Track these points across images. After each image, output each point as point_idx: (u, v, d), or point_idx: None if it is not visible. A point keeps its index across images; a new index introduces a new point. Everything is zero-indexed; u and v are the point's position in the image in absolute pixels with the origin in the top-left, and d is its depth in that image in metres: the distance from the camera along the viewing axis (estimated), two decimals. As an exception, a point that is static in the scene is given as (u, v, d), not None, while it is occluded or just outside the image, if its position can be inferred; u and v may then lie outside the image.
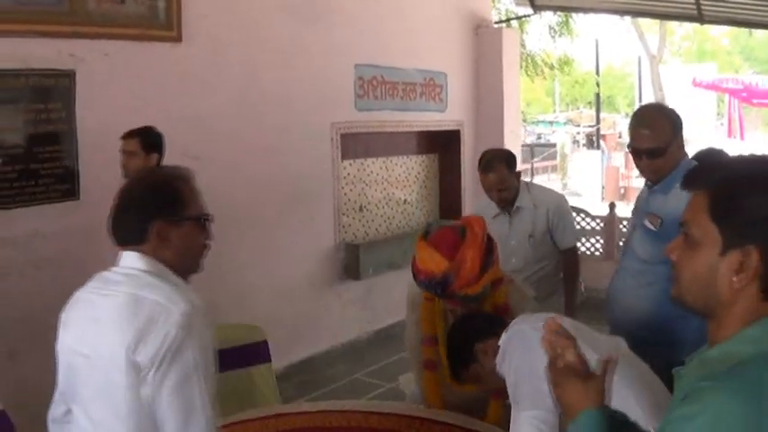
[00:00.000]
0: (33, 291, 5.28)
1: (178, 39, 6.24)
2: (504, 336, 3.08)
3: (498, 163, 5.07)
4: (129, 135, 5.24)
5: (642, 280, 4.00)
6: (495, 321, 3.36)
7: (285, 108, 7.14)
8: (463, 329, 3.41)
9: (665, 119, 3.94)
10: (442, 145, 9.58)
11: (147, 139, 5.27)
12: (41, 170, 5.48)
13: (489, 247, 3.50)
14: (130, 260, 2.48)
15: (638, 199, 4.39)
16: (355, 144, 8.23)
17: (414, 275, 3.56)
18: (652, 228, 3.96)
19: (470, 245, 3.41)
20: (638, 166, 4.16)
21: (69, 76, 5.58)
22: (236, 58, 6.72)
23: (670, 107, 4.24)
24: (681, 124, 3.96)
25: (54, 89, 5.54)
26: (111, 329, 2.33)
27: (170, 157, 6.00)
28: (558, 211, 5.26)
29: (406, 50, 8.55)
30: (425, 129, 9.17)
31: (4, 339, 5.11)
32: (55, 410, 2.64)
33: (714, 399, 1.50)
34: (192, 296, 2.43)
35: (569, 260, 5.24)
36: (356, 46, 7.89)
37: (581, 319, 3.66)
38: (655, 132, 3.88)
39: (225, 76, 6.63)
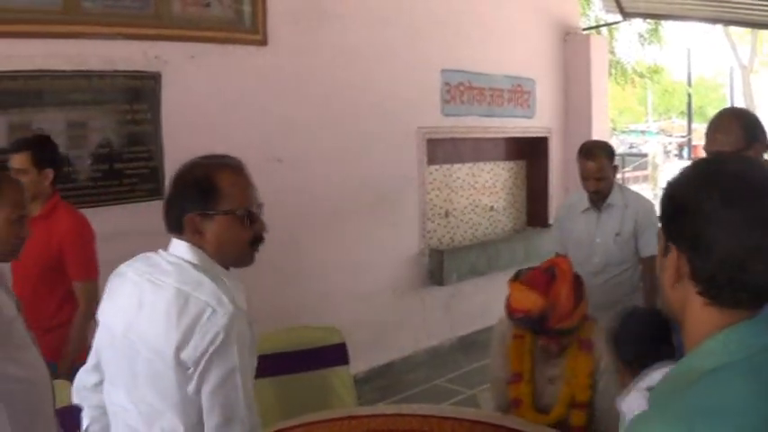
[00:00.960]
0: None
1: (263, 42, 6.17)
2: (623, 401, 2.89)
3: (600, 152, 5.00)
4: (17, 148, 4.28)
5: None
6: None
7: (371, 112, 7.02)
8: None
9: (739, 124, 3.74)
10: (529, 152, 9.35)
11: (39, 154, 4.28)
12: (127, 170, 5.47)
13: (579, 282, 3.60)
14: (179, 249, 2.48)
15: None
16: (442, 149, 8.06)
17: (509, 315, 3.60)
18: None
19: (562, 281, 3.51)
20: None
21: (155, 77, 5.56)
22: (322, 62, 6.62)
23: (749, 112, 4.06)
24: (758, 130, 3.74)
25: (140, 91, 5.52)
26: (159, 324, 2.31)
27: (253, 160, 5.76)
28: (647, 215, 5.06)
29: (493, 56, 8.35)
30: (513, 135, 8.95)
31: None
32: (87, 379, 2.66)
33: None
34: (235, 294, 2.38)
35: (648, 269, 5.00)
36: (443, 51, 7.73)
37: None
38: (727, 137, 3.68)
39: (310, 79, 6.54)
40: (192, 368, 2.26)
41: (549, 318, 3.45)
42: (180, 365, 2.27)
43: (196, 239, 2.47)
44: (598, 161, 4.94)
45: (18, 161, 4.20)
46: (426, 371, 7.54)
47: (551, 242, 5.58)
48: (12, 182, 3.13)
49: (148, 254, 2.55)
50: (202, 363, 2.25)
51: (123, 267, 2.57)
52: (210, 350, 2.25)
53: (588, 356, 3.62)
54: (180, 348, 2.25)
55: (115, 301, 2.51)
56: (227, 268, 2.52)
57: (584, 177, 5.02)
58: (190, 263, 2.42)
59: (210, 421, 2.28)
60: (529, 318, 3.49)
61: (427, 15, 7.51)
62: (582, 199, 5.18)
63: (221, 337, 2.26)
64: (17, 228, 3.01)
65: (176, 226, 2.49)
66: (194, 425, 2.31)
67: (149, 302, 2.37)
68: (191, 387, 2.28)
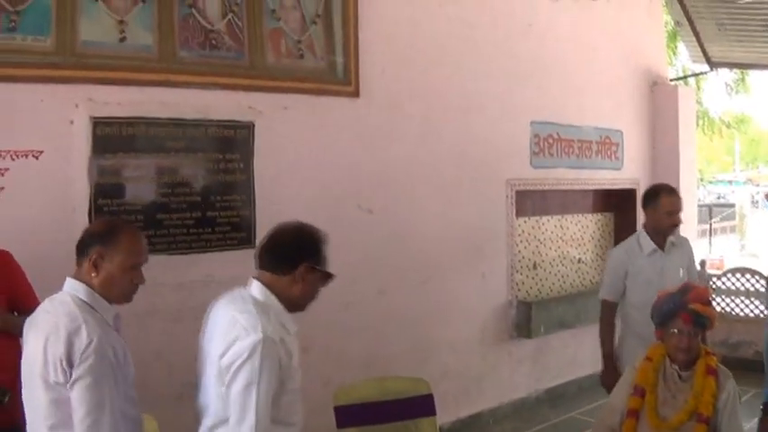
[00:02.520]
0: None
1: (356, 94, 5.96)
2: None
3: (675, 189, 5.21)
4: None
5: None
6: None
7: (461, 163, 6.74)
8: None
9: None
10: (617, 204, 8.92)
11: None
12: (218, 218, 5.29)
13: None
14: (254, 288, 3.09)
15: None
16: (530, 201, 7.73)
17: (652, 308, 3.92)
18: None
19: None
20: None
21: (248, 127, 5.39)
22: (413, 114, 6.38)
23: None
24: None
25: (233, 140, 5.35)
26: (217, 336, 2.98)
27: (344, 211, 5.89)
28: (691, 250, 5.42)
29: (582, 108, 8.02)
30: (601, 187, 8.55)
31: (176, 380, 4.86)
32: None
33: None
34: (275, 328, 2.94)
35: None
36: (532, 103, 7.42)
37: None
38: None
39: (401, 130, 6.30)
40: (224, 374, 2.87)
41: (688, 292, 3.80)
42: (220, 369, 2.90)
43: (294, 284, 3.10)
44: (679, 196, 5.16)
45: None
46: (512, 423, 7.19)
47: (603, 290, 5.38)
48: (128, 230, 3.13)
49: (237, 289, 3.14)
50: (231, 370, 2.85)
51: (221, 300, 3.17)
52: (237, 364, 2.84)
53: (713, 380, 3.71)
54: (222, 355, 2.88)
55: (205, 327, 3.15)
56: (289, 311, 3.12)
57: (673, 212, 5.07)
58: (255, 298, 3.04)
59: (230, 416, 2.86)
60: (669, 296, 3.83)
61: (517, 66, 7.22)
62: (643, 243, 5.19)
63: (245, 356, 2.83)
64: (131, 274, 3.04)
65: (286, 268, 3.08)
66: (223, 420, 2.92)
67: (218, 322, 3.04)
68: (223, 388, 2.89)
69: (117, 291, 3.00)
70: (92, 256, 2.94)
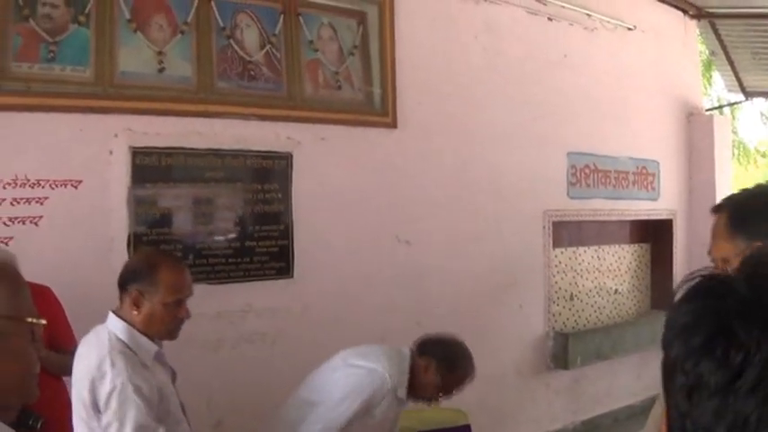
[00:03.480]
0: (244, 364, 4.98)
1: (393, 125, 5.78)
2: None
3: None
4: None
5: None
6: None
7: (497, 194, 6.53)
8: None
9: None
10: (653, 234, 8.65)
11: None
12: (257, 248, 5.11)
13: None
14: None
15: None
16: (567, 232, 7.50)
17: None
18: None
19: None
20: None
21: (287, 158, 5.23)
22: (450, 145, 6.19)
23: None
24: None
25: (271, 170, 5.20)
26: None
27: (381, 241, 5.72)
28: None
29: (618, 138, 7.78)
30: (637, 218, 8.30)
31: (213, 409, 4.79)
32: None
33: None
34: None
35: None
36: (569, 134, 7.20)
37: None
38: None
39: (439, 161, 6.11)
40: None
41: None
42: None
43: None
44: None
45: None
46: (550, 455, 6.90)
47: None
48: (169, 265, 3.01)
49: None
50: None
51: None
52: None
53: None
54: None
55: None
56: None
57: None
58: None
59: None
60: None
61: (553, 97, 7.01)
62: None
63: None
64: (174, 310, 2.91)
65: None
66: None
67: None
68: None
69: (160, 328, 2.91)
70: (132, 294, 2.86)
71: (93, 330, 2.93)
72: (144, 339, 2.86)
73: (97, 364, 2.72)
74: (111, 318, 2.89)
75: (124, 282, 2.91)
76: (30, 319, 1.48)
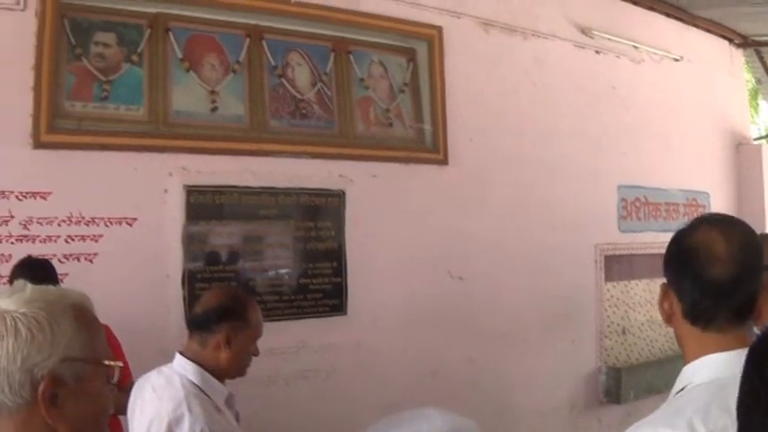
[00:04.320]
0: (297, 400, 4.81)
1: (444, 161, 5.57)
2: None
3: None
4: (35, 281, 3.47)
5: None
6: None
7: (549, 229, 6.26)
8: None
9: None
10: (705, 267, 8.24)
11: (55, 279, 3.56)
12: (310, 285, 4.93)
13: None
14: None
15: None
16: (618, 265, 7.16)
17: None
18: None
19: None
20: None
21: (339, 195, 5.05)
22: (501, 180, 5.95)
23: None
24: None
25: (324, 208, 5.01)
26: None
27: (433, 277, 5.50)
28: None
29: (667, 170, 7.45)
30: (688, 250, 7.91)
31: None
32: None
33: None
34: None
35: None
36: (619, 166, 6.91)
37: None
38: None
39: (490, 197, 5.88)
40: None
41: None
42: None
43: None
44: None
45: None
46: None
47: None
48: (254, 302, 2.96)
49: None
50: None
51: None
52: None
53: None
54: None
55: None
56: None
57: None
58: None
59: None
60: None
61: (602, 130, 6.74)
62: None
63: None
64: (254, 348, 2.85)
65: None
66: None
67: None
68: None
69: (242, 365, 2.85)
70: (223, 332, 2.71)
71: (157, 371, 2.78)
72: (216, 382, 2.73)
73: (172, 407, 2.55)
74: (180, 359, 2.74)
75: (209, 321, 2.74)
76: (107, 362, 1.49)
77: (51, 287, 1.53)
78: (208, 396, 2.67)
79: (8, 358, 1.35)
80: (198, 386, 2.67)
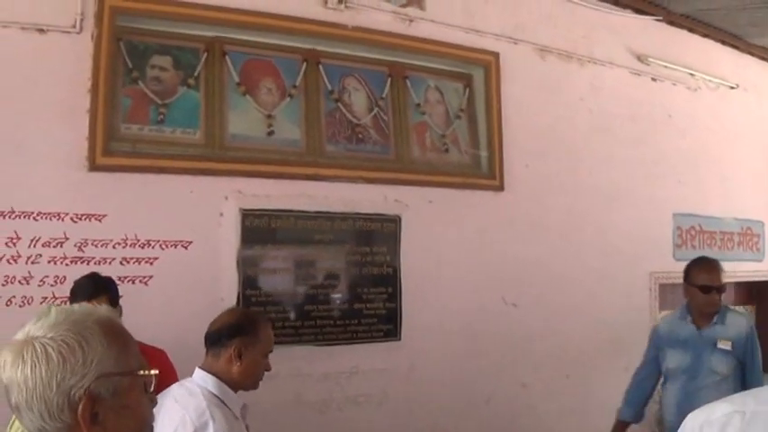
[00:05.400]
0: (350, 426, 4.57)
1: (500, 188, 5.26)
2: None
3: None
4: (97, 293, 3.24)
5: (720, 390, 3.87)
6: None
7: (603, 257, 5.89)
8: None
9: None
10: (758, 295, 7.77)
11: (114, 296, 3.37)
12: (365, 310, 4.66)
13: None
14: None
15: (677, 333, 4.34)
16: (673, 294, 6.71)
17: None
18: (728, 349, 4.12)
19: None
20: (709, 301, 4.20)
21: (395, 221, 4.78)
22: (557, 207, 5.60)
23: None
24: None
25: (379, 233, 4.74)
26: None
27: (488, 303, 5.20)
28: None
29: (723, 199, 7.01)
30: (742, 279, 7.42)
31: None
32: None
33: None
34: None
35: None
36: (674, 194, 6.50)
37: None
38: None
39: (545, 224, 5.53)
40: None
41: None
42: None
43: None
44: None
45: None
46: None
47: None
48: (263, 320, 3.08)
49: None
50: None
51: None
52: None
53: None
54: None
55: None
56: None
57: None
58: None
59: None
60: None
61: (658, 157, 6.35)
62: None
63: None
64: (266, 362, 2.92)
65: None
66: None
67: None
68: None
69: (254, 378, 2.90)
70: (235, 346, 2.81)
71: (178, 385, 2.83)
72: (232, 393, 2.81)
73: (197, 415, 2.61)
74: (199, 372, 2.82)
75: (221, 337, 2.85)
76: (141, 372, 1.44)
77: (75, 307, 1.46)
78: (226, 405, 2.74)
79: (43, 385, 1.30)
80: (217, 396, 2.74)
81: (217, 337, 2.87)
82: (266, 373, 2.94)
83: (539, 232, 5.49)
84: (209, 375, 2.79)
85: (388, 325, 4.73)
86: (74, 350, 1.33)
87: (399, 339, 4.77)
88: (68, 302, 3.28)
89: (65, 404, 1.31)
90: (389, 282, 4.75)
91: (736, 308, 7.27)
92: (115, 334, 1.41)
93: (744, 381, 4.20)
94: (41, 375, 1.31)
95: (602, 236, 5.89)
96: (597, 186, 5.87)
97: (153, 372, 1.45)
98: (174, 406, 2.67)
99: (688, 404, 3.99)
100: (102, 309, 1.47)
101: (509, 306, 5.31)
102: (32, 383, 1.31)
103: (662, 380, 4.50)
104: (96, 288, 3.28)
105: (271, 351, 2.95)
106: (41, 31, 3.80)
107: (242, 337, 2.83)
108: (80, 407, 1.32)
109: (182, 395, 2.72)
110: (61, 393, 1.31)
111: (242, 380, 2.84)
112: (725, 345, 4.17)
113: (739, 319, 4.43)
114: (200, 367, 2.85)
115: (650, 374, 4.56)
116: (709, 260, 4.39)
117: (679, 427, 3.49)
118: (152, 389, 1.47)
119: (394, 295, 4.75)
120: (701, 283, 4.22)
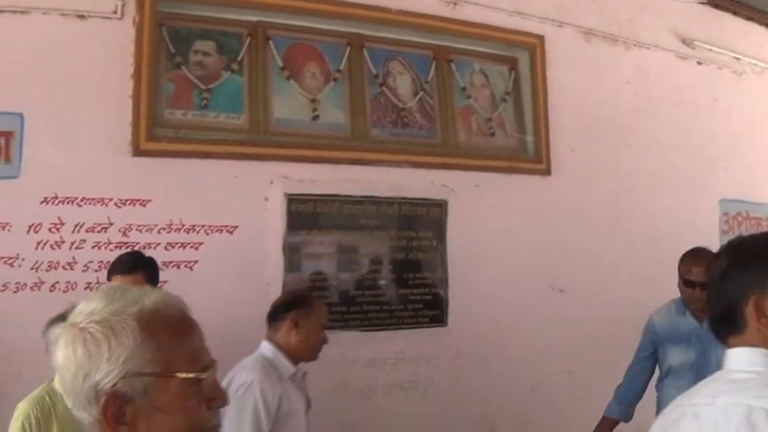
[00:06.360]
0: (395, 411, 4.33)
1: (547, 172, 4.94)
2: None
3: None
4: (132, 269, 3.07)
5: None
6: None
7: (650, 243, 5.52)
8: None
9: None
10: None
11: (151, 274, 3.17)
12: (411, 295, 4.39)
13: None
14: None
15: (677, 327, 3.83)
16: (719, 281, 6.35)
17: None
18: None
19: None
20: (690, 297, 3.70)
21: (441, 205, 4.49)
22: (603, 192, 5.26)
23: None
24: None
25: (425, 218, 4.46)
26: None
27: (534, 289, 4.87)
28: None
29: (768, 184, 6.60)
30: (790, 266, 7.01)
31: None
32: None
33: None
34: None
35: None
36: (721, 180, 6.09)
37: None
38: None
39: (592, 209, 5.19)
40: None
41: None
42: None
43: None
44: None
45: (133, 283, 2.95)
46: None
47: None
48: (320, 301, 3.26)
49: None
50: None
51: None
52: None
53: None
54: None
55: None
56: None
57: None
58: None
59: None
60: None
61: (704, 142, 5.93)
62: None
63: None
64: (322, 335, 3.06)
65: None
66: None
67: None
68: None
69: (312, 348, 3.03)
70: (291, 317, 2.98)
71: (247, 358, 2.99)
72: (285, 360, 2.97)
73: (241, 367, 2.89)
74: (263, 343, 3.01)
75: (282, 310, 3.03)
76: (182, 375, 1.20)
77: (128, 293, 1.24)
78: (274, 367, 2.92)
79: (73, 375, 1.17)
80: (269, 359, 2.94)
81: (275, 312, 3.04)
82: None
83: (585, 217, 5.16)
84: (269, 343, 2.98)
85: (434, 311, 4.46)
86: (99, 344, 1.16)
87: (446, 325, 4.50)
88: (107, 276, 3.13)
89: (92, 399, 1.16)
90: (436, 267, 4.48)
91: None
92: (158, 328, 1.19)
93: None
94: (71, 366, 1.17)
95: (649, 221, 5.53)
96: (643, 171, 5.51)
97: (199, 375, 1.21)
98: (235, 370, 2.90)
99: None
100: (155, 295, 1.24)
101: (555, 292, 4.99)
102: (65, 372, 1.18)
103: (659, 378, 4.05)
104: (134, 264, 3.09)
105: (325, 324, 3.10)
106: (82, 17, 3.64)
107: (297, 309, 3.00)
108: (101, 404, 1.15)
109: (240, 363, 2.92)
110: (88, 387, 1.16)
111: (301, 349, 3.00)
112: None
113: None
114: (264, 339, 3.03)
115: (643, 371, 4.10)
116: (698, 253, 3.81)
117: None
118: (207, 392, 1.23)
119: (441, 281, 4.48)
120: (683, 276, 3.77)
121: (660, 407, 3.93)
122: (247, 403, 2.75)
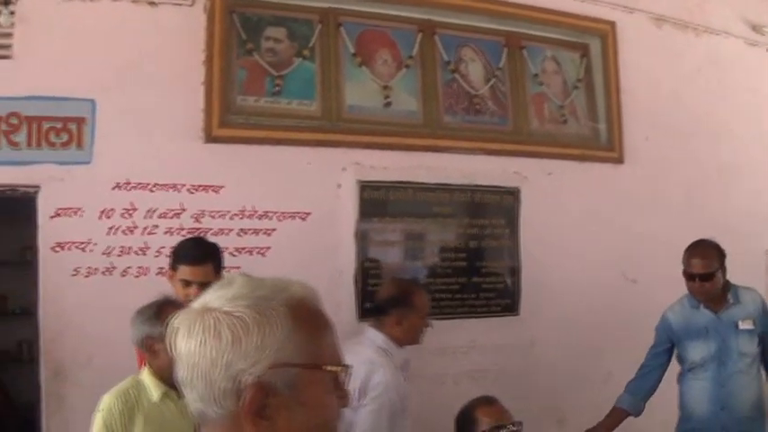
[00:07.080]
0: (465, 399, 3.80)
1: (620, 160, 4.48)
2: None
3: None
4: (202, 260, 2.70)
5: (751, 372, 3.41)
6: None
7: (721, 233, 4.88)
8: None
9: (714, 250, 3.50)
10: None
11: (219, 264, 2.80)
12: (483, 284, 4.01)
13: None
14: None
15: (693, 322, 3.54)
16: (789, 273, 5.75)
17: None
18: (751, 327, 3.40)
19: None
20: (693, 289, 3.55)
21: (514, 193, 4.10)
22: (676, 182, 4.76)
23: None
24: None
25: (498, 205, 4.06)
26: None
27: (606, 279, 4.42)
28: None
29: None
30: None
31: None
32: None
33: None
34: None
35: None
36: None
37: None
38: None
39: (665, 199, 4.70)
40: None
41: None
42: None
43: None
44: None
45: (204, 274, 2.66)
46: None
47: None
48: (420, 289, 3.16)
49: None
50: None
51: None
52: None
53: None
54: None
55: None
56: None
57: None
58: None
59: None
60: None
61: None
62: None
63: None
64: (424, 322, 3.04)
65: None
66: None
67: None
68: None
69: (416, 336, 3.05)
70: (394, 316, 2.96)
71: (351, 341, 2.86)
72: (395, 348, 2.97)
73: (369, 360, 2.82)
74: (372, 331, 2.99)
75: (384, 308, 3.01)
76: (329, 368, 1.06)
77: (266, 280, 1.09)
78: (391, 357, 2.92)
79: (209, 364, 1.00)
80: (385, 350, 2.92)
81: (378, 309, 3.04)
82: None
83: (658, 206, 4.67)
84: (378, 332, 2.96)
85: (506, 299, 4.08)
86: (250, 331, 1.01)
87: (518, 314, 4.11)
88: (171, 265, 2.77)
89: (230, 390, 1.00)
90: (509, 255, 4.09)
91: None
92: (305, 318, 1.06)
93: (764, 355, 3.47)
94: (209, 353, 1.00)
95: (720, 212, 4.96)
96: (716, 159, 4.97)
97: (345, 367, 1.09)
98: (350, 357, 2.46)
99: (723, 392, 3.35)
100: (297, 285, 1.09)
101: (629, 282, 4.53)
102: (198, 360, 1.01)
103: (681, 372, 3.67)
104: (203, 254, 2.72)
105: (428, 312, 3.07)
106: (153, 4, 3.38)
107: (398, 308, 2.96)
108: (246, 397, 0.99)
109: (354, 348, 2.73)
110: (227, 377, 1.00)
111: (406, 340, 3.02)
112: (747, 324, 3.41)
113: (752, 294, 3.62)
114: (369, 325, 3.03)
115: (657, 367, 3.72)
116: (699, 245, 3.63)
117: (715, 417, 3.12)
118: (345, 386, 1.10)
119: (514, 269, 4.09)
120: (684, 269, 3.55)
121: (684, 400, 3.59)
122: (383, 406, 2.78)
